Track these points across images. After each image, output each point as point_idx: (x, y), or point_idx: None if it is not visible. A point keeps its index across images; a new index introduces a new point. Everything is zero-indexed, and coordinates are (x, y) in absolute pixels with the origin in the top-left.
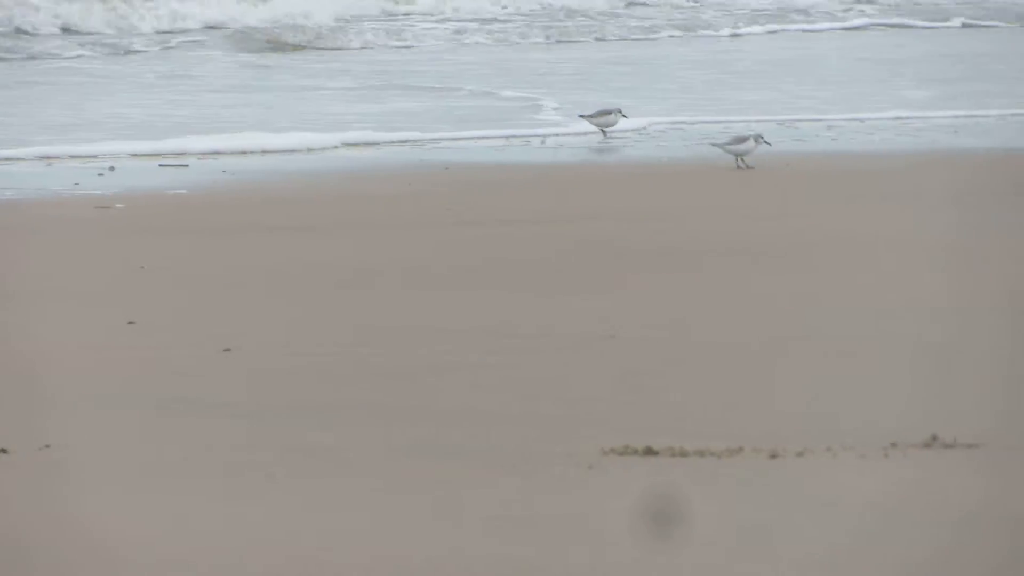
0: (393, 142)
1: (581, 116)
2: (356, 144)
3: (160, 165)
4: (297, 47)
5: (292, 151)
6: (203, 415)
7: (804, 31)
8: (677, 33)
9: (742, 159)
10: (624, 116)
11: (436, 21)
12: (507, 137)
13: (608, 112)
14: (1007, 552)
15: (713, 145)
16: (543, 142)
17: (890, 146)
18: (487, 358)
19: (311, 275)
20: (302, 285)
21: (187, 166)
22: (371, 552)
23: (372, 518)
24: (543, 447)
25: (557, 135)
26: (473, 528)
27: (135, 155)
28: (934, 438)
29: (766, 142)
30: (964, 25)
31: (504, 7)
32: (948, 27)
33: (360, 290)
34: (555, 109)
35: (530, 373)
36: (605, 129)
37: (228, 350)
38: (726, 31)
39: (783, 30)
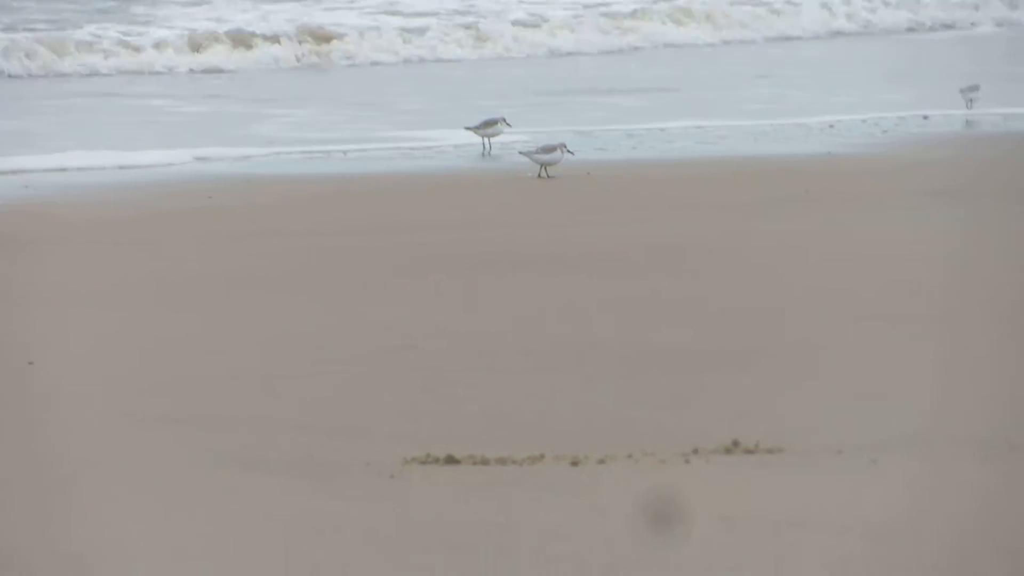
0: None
1: (467, 128)
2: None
3: None
4: None
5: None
6: None
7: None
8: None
9: (545, 169)
10: (509, 125)
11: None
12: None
13: (494, 122)
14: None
15: (521, 153)
16: (345, 155)
17: (689, 153)
18: (286, 368)
19: (116, 290)
20: (107, 300)
21: None
22: (163, 563)
23: (177, 528)
24: (344, 456)
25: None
26: (276, 538)
27: None
28: (735, 443)
29: (569, 151)
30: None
31: None
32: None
33: (160, 301)
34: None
35: (329, 383)
36: (490, 140)
37: (31, 363)
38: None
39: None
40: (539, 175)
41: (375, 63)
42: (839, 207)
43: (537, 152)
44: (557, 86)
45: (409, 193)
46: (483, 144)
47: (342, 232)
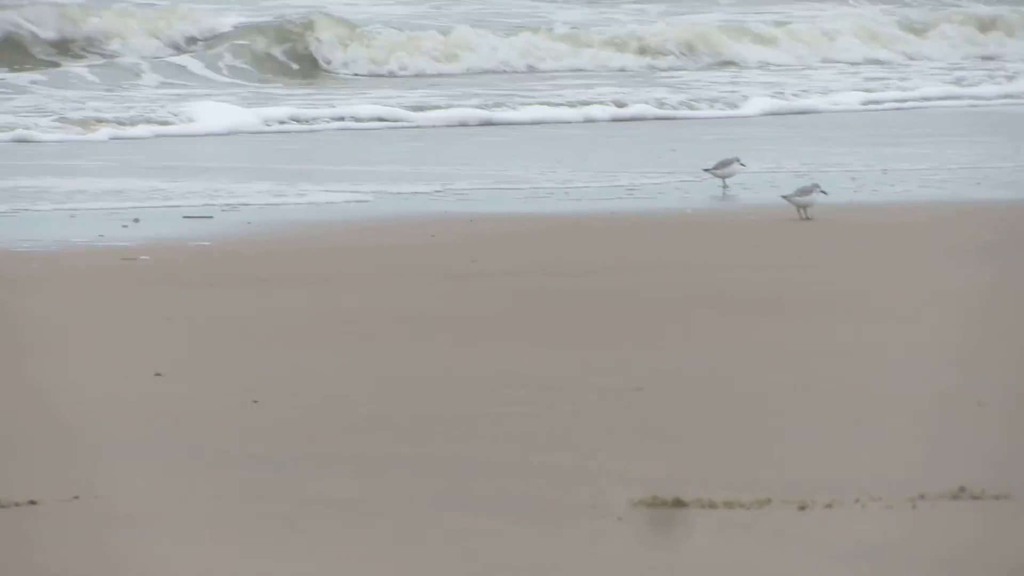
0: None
1: (704, 169)
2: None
3: (184, 216)
4: None
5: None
6: (230, 466)
7: None
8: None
9: (804, 210)
10: (743, 165)
11: None
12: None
13: (729, 162)
14: None
15: (783, 197)
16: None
17: (911, 197)
18: (510, 407)
19: (329, 326)
20: (323, 336)
21: (211, 217)
22: None
23: (397, 571)
24: (570, 498)
25: None
26: None
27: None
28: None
29: (823, 191)
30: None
31: None
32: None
33: (377, 341)
34: None
35: (554, 423)
36: (726, 180)
37: (256, 401)
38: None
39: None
40: (800, 217)
41: None
42: None
43: (795, 195)
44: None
45: (634, 231)
46: (722, 184)
47: (572, 273)
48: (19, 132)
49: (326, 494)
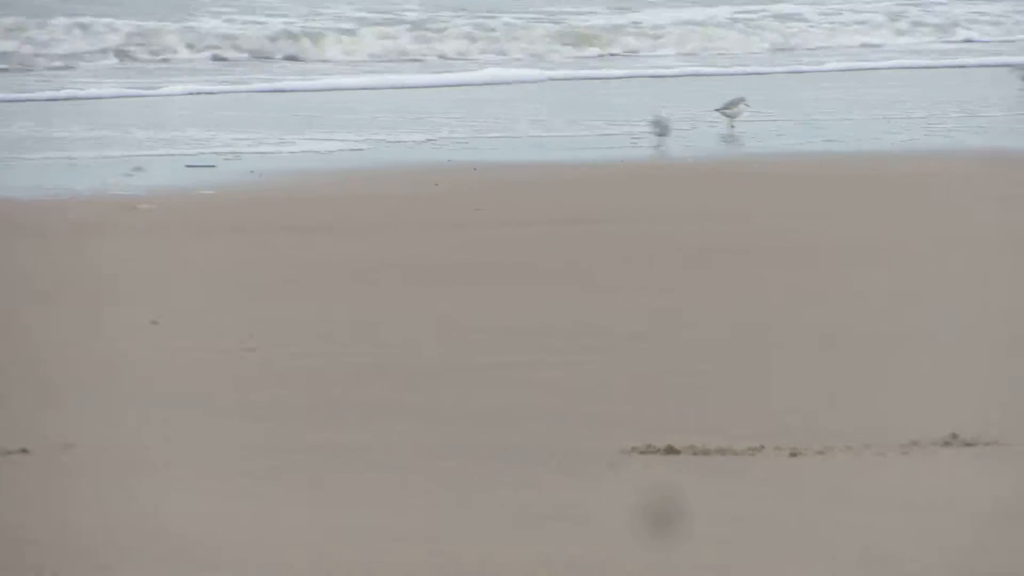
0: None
1: (716, 109)
2: None
3: (187, 166)
4: None
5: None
6: (226, 415)
7: None
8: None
9: (732, 121)
10: (748, 106)
11: None
12: None
13: (736, 102)
14: None
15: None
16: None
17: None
18: (512, 357)
19: (333, 274)
20: (324, 285)
21: (214, 166)
22: (411, 551)
23: (409, 517)
24: (563, 444)
25: None
26: (509, 525)
27: None
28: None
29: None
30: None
31: None
32: None
33: (381, 289)
34: None
35: (554, 372)
36: (733, 119)
37: (252, 349)
38: None
39: None
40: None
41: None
42: None
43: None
44: None
45: (643, 180)
46: (729, 124)
47: (567, 220)
48: None
49: (331, 442)
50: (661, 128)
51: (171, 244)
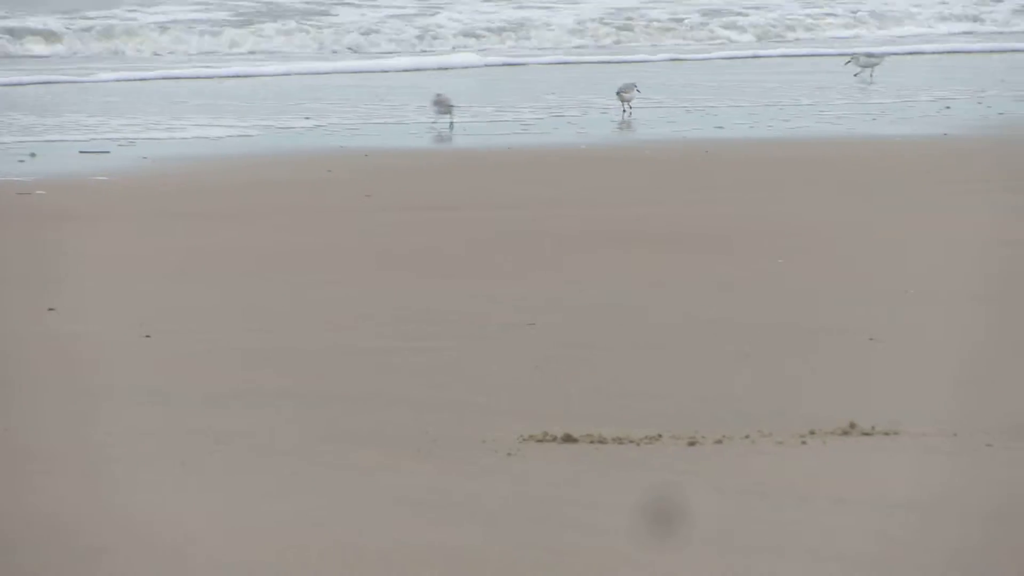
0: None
1: (616, 93)
2: None
3: (81, 152)
4: None
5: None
6: (120, 400)
7: None
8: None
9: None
10: (639, 92)
11: None
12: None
13: (630, 87)
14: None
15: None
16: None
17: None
18: (402, 343)
19: (228, 260)
20: (217, 271)
21: (108, 152)
22: (295, 535)
23: (293, 502)
24: (460, 433)
25: None
26: (392, 514)
27: None
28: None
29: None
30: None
31: None
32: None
33: (275, 275)
34: None
35: (447, 359)
36: (629, 101)
37: (148, 336)
38: None
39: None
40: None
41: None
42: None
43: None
44: None
45: (529, 167)
46: (623, 108)
47: (460, 206)
48: None
49: (214, 428)
50: (443, 107)
51: (68, 231)
